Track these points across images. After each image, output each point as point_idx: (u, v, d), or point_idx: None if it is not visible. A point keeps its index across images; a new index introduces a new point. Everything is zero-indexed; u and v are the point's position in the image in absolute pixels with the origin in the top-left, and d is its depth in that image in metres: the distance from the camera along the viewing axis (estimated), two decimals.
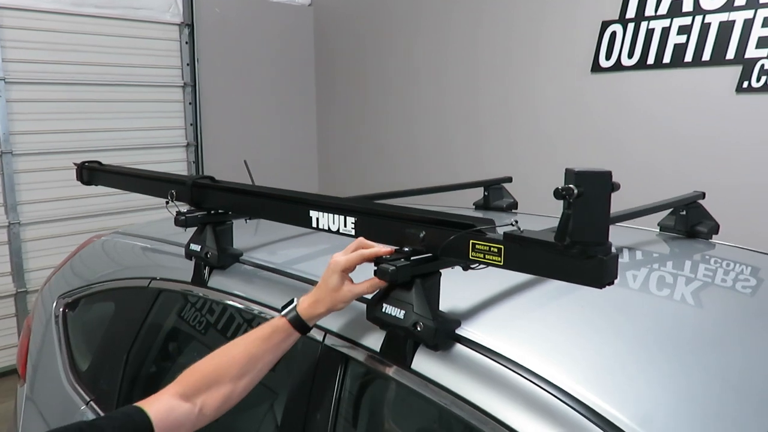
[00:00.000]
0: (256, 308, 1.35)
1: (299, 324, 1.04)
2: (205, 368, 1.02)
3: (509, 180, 2.32)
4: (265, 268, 1.45)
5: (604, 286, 0.84)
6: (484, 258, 0.96)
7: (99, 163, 2.02)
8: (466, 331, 1.03)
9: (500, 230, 0.98)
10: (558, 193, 0.81)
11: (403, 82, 4.94)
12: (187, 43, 4.88)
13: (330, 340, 1.16)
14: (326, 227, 1.22)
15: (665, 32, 3.55)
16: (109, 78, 4.48)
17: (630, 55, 3.74)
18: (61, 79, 4.28)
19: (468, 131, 4.56)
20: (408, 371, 1.02)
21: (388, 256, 1.01)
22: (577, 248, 0.82)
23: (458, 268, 1.08)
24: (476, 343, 1.00)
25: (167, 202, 1.58)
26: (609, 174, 0.82)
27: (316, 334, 1.18)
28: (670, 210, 1.81)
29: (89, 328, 1.88)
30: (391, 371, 1.05)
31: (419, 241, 1.04)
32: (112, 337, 1.71)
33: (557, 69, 4.02)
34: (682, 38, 3.49)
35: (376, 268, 1.00)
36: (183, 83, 4.90)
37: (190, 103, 4.97)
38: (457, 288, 1.11)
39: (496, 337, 1.01)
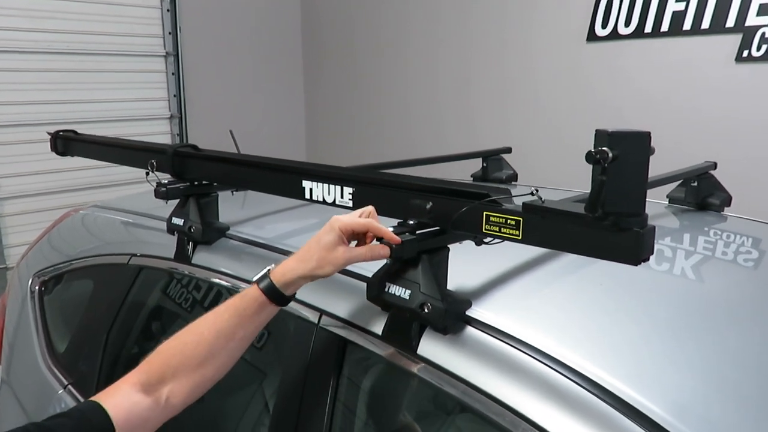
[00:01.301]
0: (244, 286, 1.24)
1: (274, 293, 0.90)
2: (169, 352, 0.89)
3: (509, 151, 2.21)
4: (253, 244, 1.34)
5: (640, 263, 0.74)
6: (500, 231, 0.86)
7: (74, 132, 1.88)
8: (477, 312, 0.93)
9: (516, 201, 0.88)
10: (591, 157, 0.70)
11: (394, 50, 4.78)
12: (168, 10, 4.69)
13: (326, 322, 1.06)
14: (321, 198, 1.11)
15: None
16: (89, 47, 4.29)
17: (627, 24, 3.63)
18: (39, 48, 4.09)
19: (461, 102, 4.44)
20: (414, 357, 0.92)
21: (393, 230, 0.91)
22: (610, 220, 0.73)
23: (466, 243, 0.98)
24: (489, 325, 0.90)
25: (147, 173, 1.46)
26: (647, 135, 0.72)
27: (311, 315, 1.08)
28: (680, 182, 1.72)
29: (67, 307, 1.77)
30: (395, 356, 0.95)
31: (426, 213, 0.94)
32: (90, 316, 1.61)
33: (552, 38, 3.90)
34: (681, 5, 3.38)
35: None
36: (165, 53, 4.72)
37: (173, 74, 4.79)
38: (465, 264, 1.01)
39: (511, 319, 0.91)
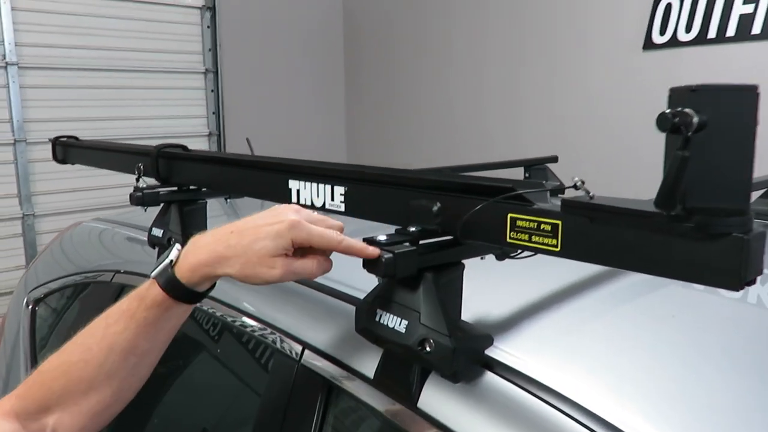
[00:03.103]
0: (232, 314, 1.02)
1: (181, 292, 0.67)
2: (50, 373, 0.68)
3: (555, 160, 1.94)
4: None
5: (743, 286, 0.48)
6: (530, 241, 0.61)
7: (76, 138, 1.74)
8: (501, 353, 0.68)
9: (554, 201, 0.63)
10: (664, 121, 0.46)
11: (438, 59, 4.57)
12: (208, 27, 4.64)
13: (309, 357, 0.82)
14: (309, 202, 0.89)
15: (729, 2, 3.12)
16: (127, 63, 4.26)
17: (688, 29, 3.36)
18: (77, 65, 4.07)
19: (508, 110, 4.19)
20: (412, 411, 0.68)
21: (384, 239, 0.67)
22: (695, 220, 0.47)
23: (489, 258, 0.74)
24: (518, 372, 0.65)
25: (137, 179, 1.28)
26: (754, 91, 0.47)
27: (291, 348, 0.85)
28: (762, 191, 1.44)
29: (54, 329, 1.59)
30: (389, 409, 0.71)
31: (432, 218, 0.70)
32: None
33: (605, 47, 3.65)
34: (749, 8, 3.09)
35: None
36: (204, 69, 4.66)
37: (212, 91, 4.72)
38: (485, 288, 0.76)
39: (548, 364, 0.66)
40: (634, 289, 0.83)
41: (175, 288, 0.67)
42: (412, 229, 0.70)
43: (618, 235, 0.54)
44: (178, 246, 0.70)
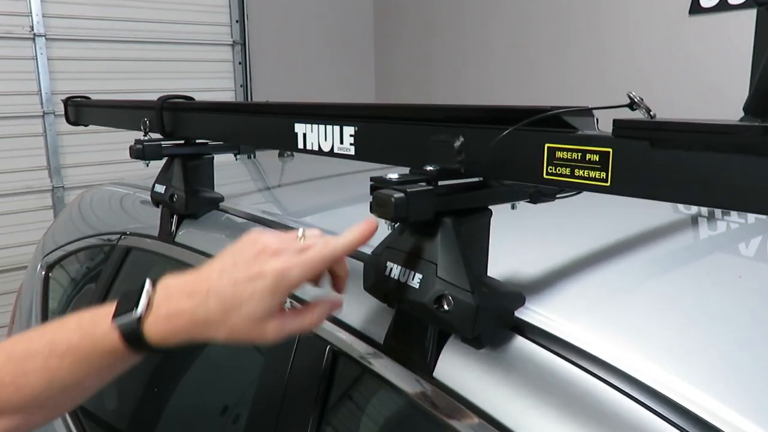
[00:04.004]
0: None
1: (143, 347, 0.56)
2: None
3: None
4: (255, 220, 1.03)
5: None
6: (572, 176, 0.49)
7: (87, 98, 1.67)
8: (534, 314, 0.57)
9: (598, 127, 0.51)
10: None
11: (478, 29, 4.39)
12: None
13: None
14: (316, 147, 0.78)
15: None
16: (155, 35, 4.19)
17: None
18: (105, 37, 4.03)
19: (550, 80, 4.00)
20: (429, 381, 0.57)
21: (395, 178, 0.56)
22: None
23: (522, 207, 0.62)
24: (554, 337, 0.54)
25: (144, 136, 1.19)
26: None
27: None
28: None
29: (64, 294, 1.54)
30: (401, 379, 0.60)
31: (453, 155, 0.59)
32: (74, 308, 1.36)
33: (649, 12, 3.44)
34: None
35: (372, 197, 0.56)
36: (232, 41, 4.57)
37: (239, 63, 4.63)
38: (517, 241, 0.64)
39: (590, 327, 0.55)
40: (697, 245, 0.70)
41: (139, 345, 0.56)
42: (430, 167, 0.59)
43: (689, 162, 0.42)
44: (148, 288, 0.57)
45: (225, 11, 4.53)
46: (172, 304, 0.55)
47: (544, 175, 0.51)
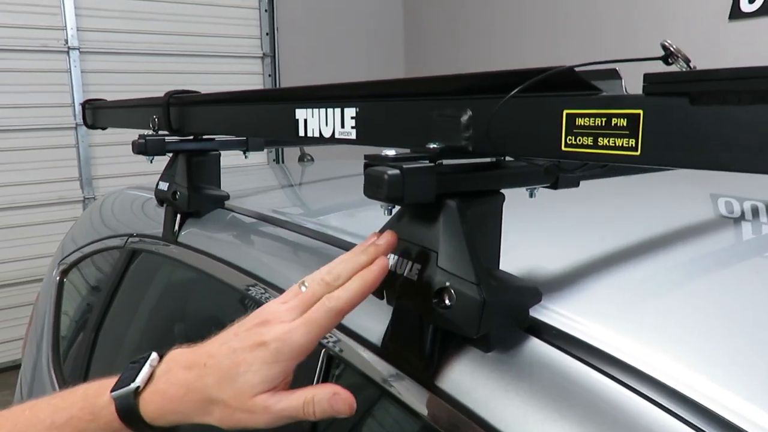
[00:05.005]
0: (241, 278, 0.86)
1: (137, 423, 0.51)
2: None
3: None
4: (262, 218, 0.97)
5: None
6: (596, 146, 0.42)
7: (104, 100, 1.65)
8: (552, 313, 0.49)
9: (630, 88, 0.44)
10: None
11: (508, 36, 4.32)
12: (266, 10, 4.58)
13: None
14: (317, 134, 0.72)
15: None
16: (185, 48, 4.25)
17: None
18: (137, 49, 4.09)
19: None
20: (428, 389, 0.50)
21: (391, 155, 0.49)
22: None
23: (541, 193, 0.54)
24: (576, 340, 0.46)
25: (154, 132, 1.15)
26: None
27: None
28: None
29: (76, 298, 1.50)
30: (399, 386, 0.53)
31: (460, 131, 0.51)
32: (82, 313, 1.32)
33: (688, 17, 3.33)
34: None
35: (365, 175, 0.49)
36: (262, 54, 4.59)
37: (269, 75, 4.66)
38: (533, 231, 0.56)
39: (619, 330, 0.47)
40: (740, 242, 0.61)
41: (133, 420, 0.51)
42: (433, 145, 0.52)
43: (741, 118, 0.34)
44: (153, 358, 0.53)
45: (255, 24, 4.57)
46: (171, 376, 0.51)
47: (563, 148, 0.44)
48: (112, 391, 0.52)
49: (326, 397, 0.47)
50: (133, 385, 0.51)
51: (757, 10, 3.08)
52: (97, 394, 0.53)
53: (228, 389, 0.47)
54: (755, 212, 0.80)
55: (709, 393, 0.39)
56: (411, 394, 0.51)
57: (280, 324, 0.48)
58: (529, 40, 4.16)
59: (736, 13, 3.13)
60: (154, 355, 0.53)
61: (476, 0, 4.51)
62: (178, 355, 0.53)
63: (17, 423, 0.55)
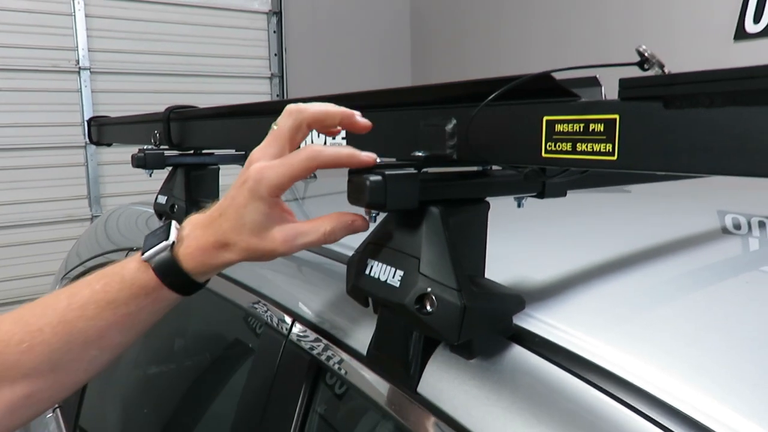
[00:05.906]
0: (239, 292, 0.86)
1: (179, 280, 0.53)
2: None
3: None
4: None
5: None
6: (574, 151, 0.42)
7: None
8: (536, 321, 0.49)
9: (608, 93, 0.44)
10: None
11: (515, 50, 4.35)
12: (275, 32, 4.63)
13: (298, 332, 0.65)
14: (308, 141, 0.72)
15: None
16: (195, 69, 4.30)
17: None
18: (147, 70, 4.15)
19: None
20: (411, 398, 0.49)
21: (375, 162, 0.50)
22: None
23: (529, 203, 0.54)
24: (561, 348, 0.46)
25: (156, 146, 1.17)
26: None
27: (280, 321, 0.68)
28: None
29: None
30: (383, 395, 0.52)
31: (445, 140, 0.52)
32: None
33: (692, 37, 3.34)
34: None
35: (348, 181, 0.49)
36: (270, 74, 4.65)
37: (277, 95, 4.71)
38: (520, 241, 0.56)
39: (604, 339, 0.46)
40: (727, 251, 0.61)
41: (173, 274, 0.52)
42: (419, 153, 0.52)
43: (714, 120, 0.34)
44: (176, 224, 0.55)
45: (264, 45, 4.62)
46: (197, 232, 0.53)
47: (543, 154, 0.44)
48: (142, 255, 0.53)
49: (343, 223, 0.52)
50: (168, 242, 0.52)
51: (761, 30, 3.09)
52: (118, 268, 0.54)
53: (242, 231, 0.50)
54: (742, 225, 0.80)
55: (690, 401, 0.39)
56: (393, 401, 0.51)
57: (257, 163, 0.51)
58: (534, 48, 4.18)
59: (740, 34, 3.14)
60: (174, 222, 0.55)
61: (482, 12, 4.55)
62: (196, 218, 0.55)
63: (23, 316, 0.53)
